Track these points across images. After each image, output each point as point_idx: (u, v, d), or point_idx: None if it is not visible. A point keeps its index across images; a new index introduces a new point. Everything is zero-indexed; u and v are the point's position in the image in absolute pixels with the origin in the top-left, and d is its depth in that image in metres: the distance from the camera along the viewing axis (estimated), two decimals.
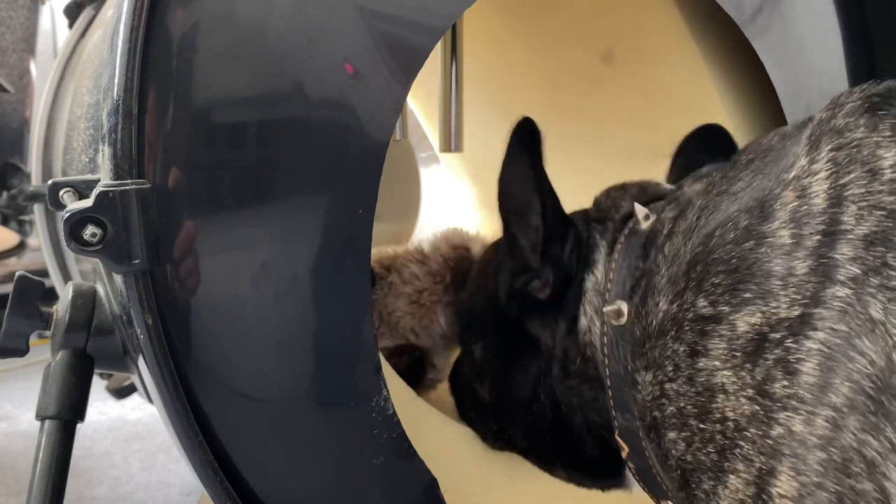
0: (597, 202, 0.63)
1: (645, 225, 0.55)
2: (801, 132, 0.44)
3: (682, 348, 0.44)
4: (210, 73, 0.49)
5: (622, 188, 0.62)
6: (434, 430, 0.68)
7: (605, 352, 0.54)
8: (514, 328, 0.62)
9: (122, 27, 0.46)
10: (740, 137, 0.87)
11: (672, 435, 0.45)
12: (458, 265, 0.90)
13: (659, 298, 0.48)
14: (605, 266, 0.56)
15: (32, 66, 1.66)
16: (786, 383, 0.38)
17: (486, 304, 0.67)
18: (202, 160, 0.49)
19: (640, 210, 0.56)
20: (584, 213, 0.63)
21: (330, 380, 0.54)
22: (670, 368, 0.45)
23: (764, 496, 0.38)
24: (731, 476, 0.40)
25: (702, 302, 0.43)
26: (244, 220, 0.50)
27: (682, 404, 0.44)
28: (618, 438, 0.55)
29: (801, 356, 0.37)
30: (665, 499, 0.54)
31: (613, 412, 0.54)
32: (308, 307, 0.52)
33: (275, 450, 0.53)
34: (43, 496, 0.50)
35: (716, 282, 0.42)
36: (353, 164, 0.52)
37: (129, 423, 1.55)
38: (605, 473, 0.61)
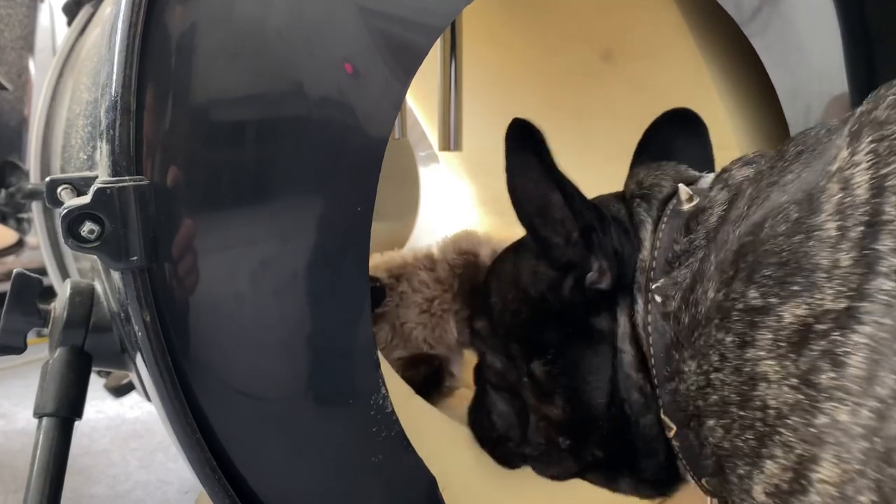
0: (638, 180, 0.61)
1: (687, 206, 0.54)
2: (845, 125, 0.45)
3: (729, 338, 0.44)
4: (209, 71, 0.49)
5: (659, 168, 0.61)
6: (433, 429, 0.68)
7: (650, 330, 0.53)
8: (575, 332, 0.58)
9: (120, 24, 0.46)
10: (740, 136, 0.87)
11: (711, 423, 0.46)
12: (465, 272, 0.87)
13: (708, 286, 0.48)
14: (651, 244, 0.55)
15: (31, 64, 1.65)
16: (833, 375, 0.38)
17: (534, 320, 0.62)
18: (201, 157, 0.49)
19: (684, 191, 0.55)
20: (620, 193, 0.61)
21: (328, 377, 0.53)
22: (716, 358, 0.45)
23: (803, 481, 0.39)
24: (769, 461, 0.41)
25: (753, 293, 0.43)
26: (243, 218, 0.50)
27: (725, 393, 0.44)
28: (664, 417, 0.54)
29: (849, 349, 0.38)
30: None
31: (658, 390, 0.54)
32: (307, 305, 0.52)
33: (273, 448, 0.53)
34: (41, 494, 0.50)
35: (767, 273, 0.43)
36: (351, 161, 0.52)
37: (127, 421, 1.55)
38: (672, 476, 0.58)
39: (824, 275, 0.40)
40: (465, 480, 0.68)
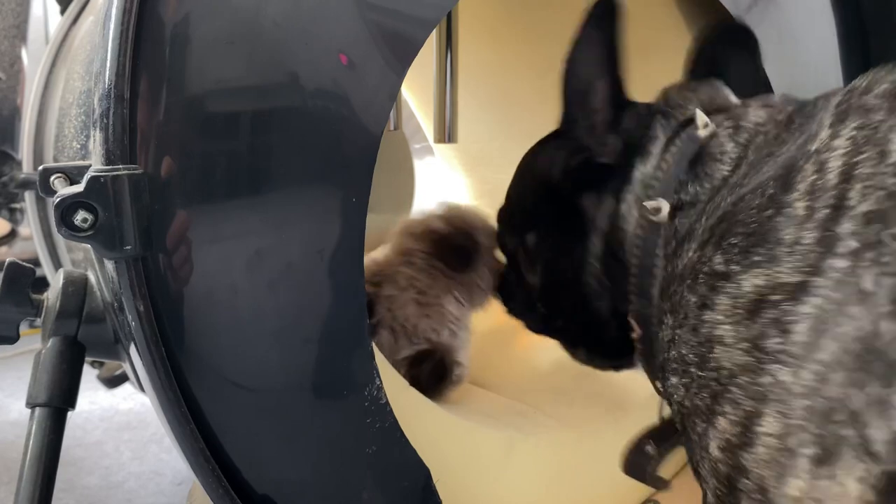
0: (667, 96, 0.63)
1: (703, 133, 0.56)
2: (835, 96, 0.46)
3: (693, 299, 0.47)
4: (203, 60, 0.48)
5: (693, 90, 0.63)
6: (427, 420, 0.68)
7: (637, 243, 0.56)
8: (566, 211, 0.63)
9: (114, 10, 0.46)
10: None
11: (674, 380, 0.48)
12: (433, 248, 0.91)
13: (690, 245, 0.50)
14: (658, 160, 0.58)
15: (24, 54, 1.64)
16: (779, 340, 0.41)
17: (536, 193, 0.69)
18: (195, 147, 0.49)
19: (700, 117, 0.56)
20: (648, 104, 0.63)
21: (323, 369, 0.53)
22: (682, 316, 0.48)
23: (750, 434, 0.42)
24: (720, 418, 0.44)
25: (718, 258, 0.46)
26: (238, 208, 0.50)
27: (684, 351, 0.47)
28: (631, 319, 0.57)
29: (796, 318, 0.40)
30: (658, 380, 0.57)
31: (631, 296, 0.57)
32: (301, 296, 0.52)
33: (267, 438, 0.52)
34: (33, 485, 0.50)
35: (733, 242, 0.45)
36: (347, 152, 0.52)
37: (120, 412, 1.55)
38: (621, 353, 0.64)
39: (786, 249, 0.42)
40: (458, 472, 0.68)
